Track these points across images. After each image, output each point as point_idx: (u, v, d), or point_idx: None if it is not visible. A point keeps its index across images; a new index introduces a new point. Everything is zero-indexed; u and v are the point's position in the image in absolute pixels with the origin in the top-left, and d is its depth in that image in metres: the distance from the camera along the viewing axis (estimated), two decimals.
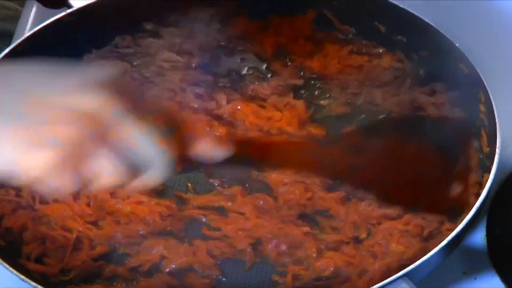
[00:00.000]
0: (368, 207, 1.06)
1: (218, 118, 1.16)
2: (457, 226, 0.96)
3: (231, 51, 1.26)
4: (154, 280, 1.00)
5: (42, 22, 1.20)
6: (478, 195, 0.99)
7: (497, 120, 1.05)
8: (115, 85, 0.74)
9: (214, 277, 1.01)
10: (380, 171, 1.09)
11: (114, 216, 1.06)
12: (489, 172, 1.01)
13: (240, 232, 1.04)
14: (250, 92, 1.20)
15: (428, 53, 1.20)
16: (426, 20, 1.17)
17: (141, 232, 1.04)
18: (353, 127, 1.17)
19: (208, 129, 1.14)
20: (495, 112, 1.05)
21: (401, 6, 1.19)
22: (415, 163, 1.10)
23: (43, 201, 1.07)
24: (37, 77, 0.75)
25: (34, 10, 1.43)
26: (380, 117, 1.18)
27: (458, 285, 1.07)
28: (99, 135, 0.71)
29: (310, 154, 1.12)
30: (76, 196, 1.06)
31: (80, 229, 1.04)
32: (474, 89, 1.11)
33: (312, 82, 1.24)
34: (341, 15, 1.27)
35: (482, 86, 1.08)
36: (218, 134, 1.13)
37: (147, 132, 0.74)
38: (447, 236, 0.95)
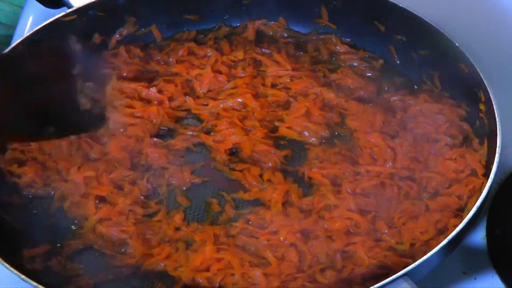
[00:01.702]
0: None
1: None
2: (457, 226, 0.97)
3: None
4: None
5: (42, 22, 1.20)
6: (479, 195, 1.00)
7: (497, 120, 1.05)
8: None
9: None
10: None
11: None
12: (489, 172, 1.01)
13: None
14: None
15: (427, 52, 1.21)
16: (426, 19, 1.17)
17: None
18: None
19: None
20: (496, 112, 1.05)
21: (401, 5, 1.19)
22: None
23: None
24: None
25: (34, 10, 1.43)
26: None
27: (458, 285, 1.07)
28: None
29: None
30: None
31: None
32: (474, 88, 1.11)
33: None
34: (341, 14, 1.28)
35: (482, 85, 1.08)
36: None
37: None
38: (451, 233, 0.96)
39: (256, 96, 1.21)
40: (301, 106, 1.19)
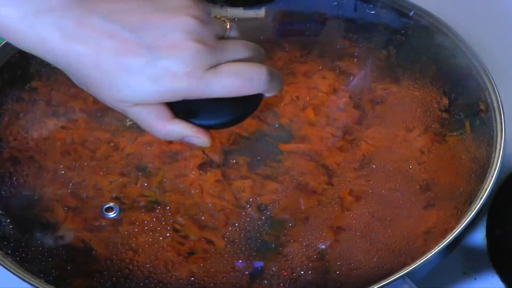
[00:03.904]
0: None
1: None
2: (457, 226, 0.96)
3: None
4: None
5: None
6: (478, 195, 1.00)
7: (497, 120, 1.05)
8: None
9: None
10: None
11: None
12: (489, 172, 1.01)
13: None
14: None
15: (427, 52, 1.20)
16: (427, 16, 1.17)
17: None
18: None
19: None
20: (496, 112, 1.06)
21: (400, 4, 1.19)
22: None
23: None
24: None
25: None
26: None
27: (458, 285, 1.07)
28: None
29: None
30: None
31: None
32: (475, 87, 1.11)
33: None
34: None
35: (483, 85, 1.08)
36: None
37: None
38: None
39: None
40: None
